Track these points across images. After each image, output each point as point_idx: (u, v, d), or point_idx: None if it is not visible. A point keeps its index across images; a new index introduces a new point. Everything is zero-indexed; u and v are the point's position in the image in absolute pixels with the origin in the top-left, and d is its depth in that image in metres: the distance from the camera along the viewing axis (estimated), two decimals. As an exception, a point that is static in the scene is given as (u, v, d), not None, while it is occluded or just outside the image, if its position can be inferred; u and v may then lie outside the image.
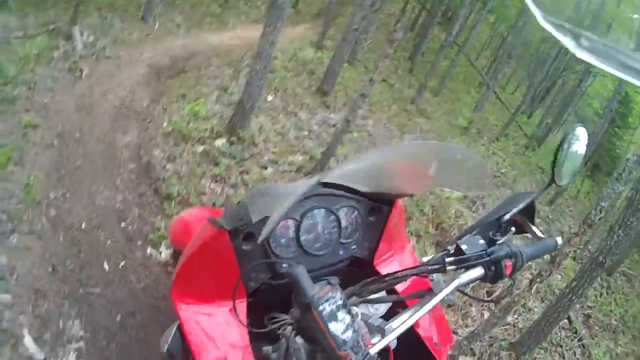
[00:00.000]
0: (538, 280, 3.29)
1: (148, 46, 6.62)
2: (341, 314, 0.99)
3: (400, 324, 1.09)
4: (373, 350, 1.01)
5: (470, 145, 8.74)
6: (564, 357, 4.35)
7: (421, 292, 1.18)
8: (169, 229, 2.19)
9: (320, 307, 0.96)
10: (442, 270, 1.13)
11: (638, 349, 5.91)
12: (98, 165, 3.63)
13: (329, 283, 1.01)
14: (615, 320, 6.32)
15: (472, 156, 1.30)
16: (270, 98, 5.66)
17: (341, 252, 1.53)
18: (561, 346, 4.48)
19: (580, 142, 1.24)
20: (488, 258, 1.13)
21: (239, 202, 1.35)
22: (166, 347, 1.49)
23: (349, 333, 0.97)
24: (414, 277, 1.23)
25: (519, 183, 9.16)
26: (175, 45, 7.13)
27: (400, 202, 1.59)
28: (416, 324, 1.26)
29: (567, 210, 10.47)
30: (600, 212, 3.20)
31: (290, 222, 1.42)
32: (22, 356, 2.27)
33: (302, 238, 1.44)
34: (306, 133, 5.43)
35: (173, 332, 1.50)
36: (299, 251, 1.44)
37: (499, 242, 1.19)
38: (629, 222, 3.59)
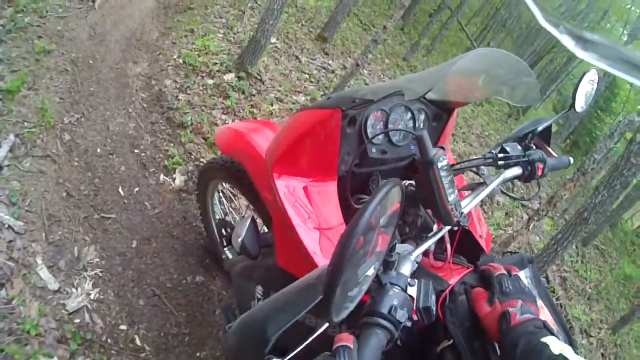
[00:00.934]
0: (535, 218, 3.39)
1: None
2: (450, 175, 1.05)
3: (465, 205, 1.18)
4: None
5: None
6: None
7: (473, 184, 1.32)
8: (215, 139, 2.05)
9: (440, 164, 1.01)
10: (494, 163, 1.29)
11: (612, 320, 5.77)
12: (111, 93, 3.25)
13: (442, 147, 1.05)
14: (590, 288, 6.21)
15: (523, 71, 1.33)
16: (273, 40, 5.29)
17: (412, 147, 1.52)
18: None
19: (593, 79, 1.42)
20: (526, 159, 1.31)
21: (329, 97, 1.32)
22: (240, 239, 1.53)
23: (453, 192, 1.05)
24: (459, 175, 1.45)
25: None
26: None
27: (455, 113, 1.60)
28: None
29: (545, 180, 10.16)
30: (594, 163, 3.31)
31: (381, 113, 1.42)
32: (35, 287, 2.00)
33: (390, 127, 1.46)
34: (307, 76, 5.14)
35: (247, 226, 1.55)
36: (385, 139, 1.45)
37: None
38: (613, 184, 3.65)
